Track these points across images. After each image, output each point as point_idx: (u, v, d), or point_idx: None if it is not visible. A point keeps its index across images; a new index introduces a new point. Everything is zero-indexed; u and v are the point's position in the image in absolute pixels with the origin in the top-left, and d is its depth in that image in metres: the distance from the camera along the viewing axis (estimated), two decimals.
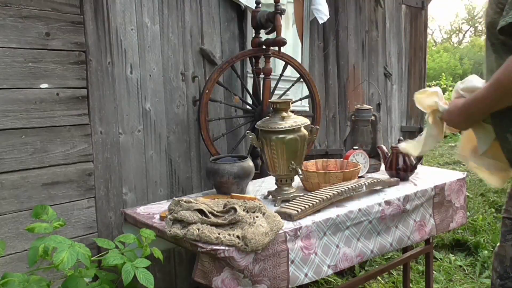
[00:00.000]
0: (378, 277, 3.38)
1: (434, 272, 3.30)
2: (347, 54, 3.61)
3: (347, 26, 3.59)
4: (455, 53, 19.60)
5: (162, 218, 1.99)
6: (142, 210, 2.17)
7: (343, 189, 2.13)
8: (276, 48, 2.72)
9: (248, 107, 2.84)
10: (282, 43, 2.68)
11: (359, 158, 2.62)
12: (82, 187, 2.23)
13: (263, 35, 2.77)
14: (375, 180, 2.33)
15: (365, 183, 2.25)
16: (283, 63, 2.85)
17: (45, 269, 1.64)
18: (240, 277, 1.70)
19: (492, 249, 3.79)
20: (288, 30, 3.17)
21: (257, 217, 1.75)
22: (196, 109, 2.65)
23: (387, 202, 2.20)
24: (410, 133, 4.19)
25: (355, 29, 3.65)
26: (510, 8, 1.27)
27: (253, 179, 2.40)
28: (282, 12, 2.63)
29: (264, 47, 2.72)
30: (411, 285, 3.16)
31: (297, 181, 2.42)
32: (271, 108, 2.20)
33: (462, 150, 1.67)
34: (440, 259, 3.73)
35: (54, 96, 2.12)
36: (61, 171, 2.16)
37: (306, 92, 3.06)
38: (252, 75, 2.87)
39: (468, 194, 3.98)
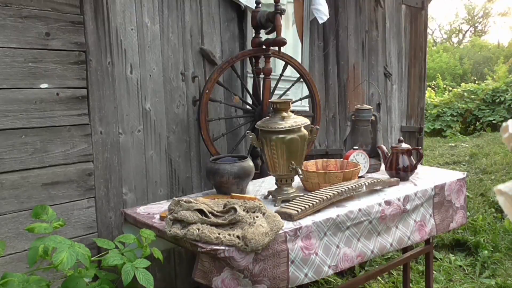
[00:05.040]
0: (378, 277, 3.38)
1: (434, 272, 3.29)
2: (347, 54, 3.61)
3: (347, 26, 3.59)
4: (455, 53, 19.59)
5: (162, 218, 1.99)
6: (142, 210, 2.17)
7: (343, 189, 2.13)
8: (276, 48, 2.72)
9: (248, 107, 2.84)
10: (282, 43, 2.68)
11: (359, 158, 2.62)
12: (82, 187, 2.23)
13: (263, 35, 2.77)
14: (375, 180, 2.33)
15: (365, 183, 2.25)
16: (283, 63, 2.85)
17: (45, 269, 1.64)
18: (240, 277, 1.70)
19: (492, 249, 3.79)
20: (288, 30, 3.16)
21: (257, 217, 1.75)
22: (196, 109, 2.65)
23: (387, 202, 2.20)
24: (410, 133, 4.19)
25: (355, 29, 3.65)
26: None
27: (253, 179, 2.40)
28: (282, 12, 2.63)
29: (264, 47, 2.72)
30: (411, 285, 3.16)
31: (297, 181, 2.42)
32: (271, 108, 2.20)
33: None
34: (440, 259, 3.73)
35: (54, 96, 2.12)
36: (61, 171, 2.16)
37: (306, 92, 3.06)
38: (252, 75, 2.87)
39: (468, 194, 3.99)
